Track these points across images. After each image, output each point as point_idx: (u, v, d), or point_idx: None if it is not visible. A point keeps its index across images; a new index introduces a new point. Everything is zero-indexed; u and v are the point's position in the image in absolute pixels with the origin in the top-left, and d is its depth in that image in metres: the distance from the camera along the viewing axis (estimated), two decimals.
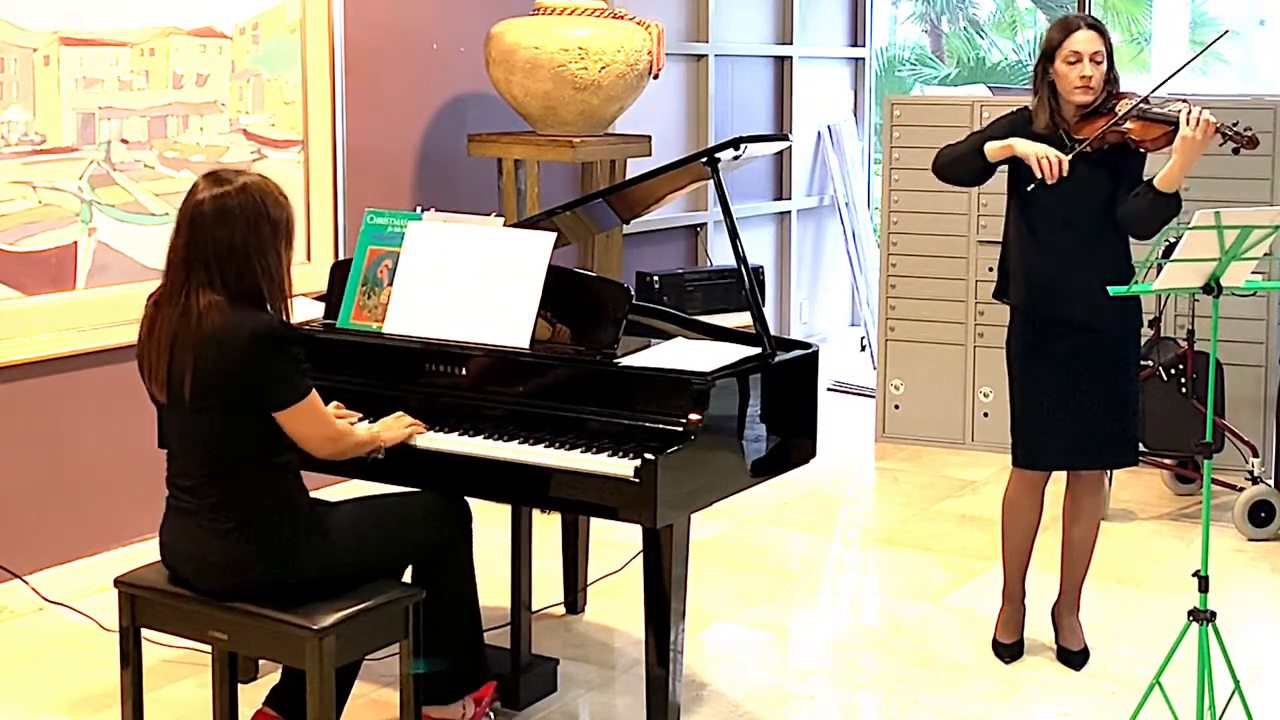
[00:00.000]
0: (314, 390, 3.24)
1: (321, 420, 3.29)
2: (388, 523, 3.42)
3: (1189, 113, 3.82)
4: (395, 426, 3.52)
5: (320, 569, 3.25)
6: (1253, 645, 4.38)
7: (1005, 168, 4.12)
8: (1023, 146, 3.95)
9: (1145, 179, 3.95)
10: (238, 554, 3.20)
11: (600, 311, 3.71)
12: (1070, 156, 3.90)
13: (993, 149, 4.02)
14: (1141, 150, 3.98)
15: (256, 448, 3.21)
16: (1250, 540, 5.35)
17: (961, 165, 4.14)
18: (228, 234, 3.17)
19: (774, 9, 8.09)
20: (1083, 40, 3.97)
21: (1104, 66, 3.99)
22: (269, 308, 3.21)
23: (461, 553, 3.57)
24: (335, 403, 3.53)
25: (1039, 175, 3.89)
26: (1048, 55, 4.02)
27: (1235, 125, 3.87)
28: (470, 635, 3.64)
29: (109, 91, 4.70)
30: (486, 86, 5.80)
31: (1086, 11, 7.38)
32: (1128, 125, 3.93)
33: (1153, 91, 3.98)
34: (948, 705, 4.02)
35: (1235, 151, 3.91)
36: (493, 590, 3.79)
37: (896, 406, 6.70)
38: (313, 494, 3.35)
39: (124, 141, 4.75)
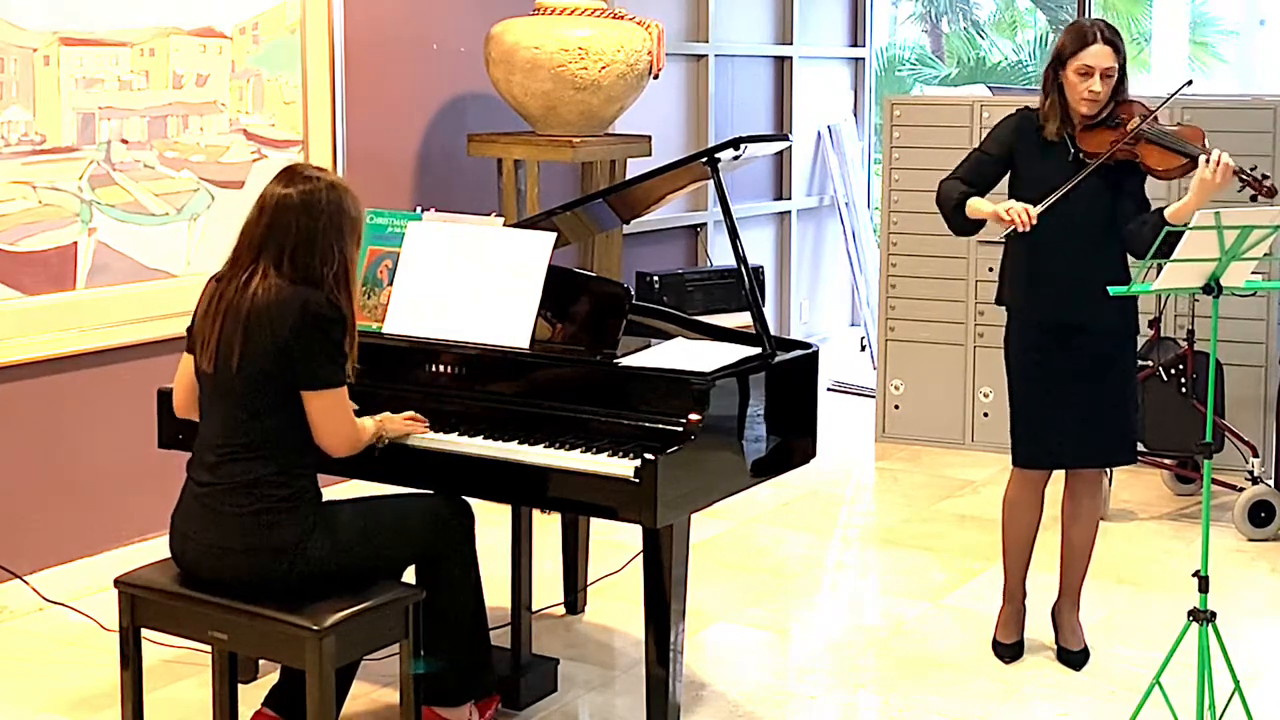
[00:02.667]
0: (346, 386, 3.29)
1: (346, 416, 3.31)
2: (389, 523, 3.43)
3: (1209, 155, 3.81)
4: (396, 418, 3.54)
5: (323, 567, 3.26)
6: (1253, 645, 4.38)
7: (1006, 174, 4.14)
8: (987, 209, 3.98)
9: (1148, 202, 3.94)
10: (248, 539, 3.21)
11: (600, 311, 3.71)
12: (1039, 210, 3.90)
13: (972, 209, 4.05)
14: (1153, 176, 3.98)
15: (287, 439, 3.25)
16: (1250, 540, 5.35)
17: (951, 219, 4.15)
18: (310, 223, 3.27)
19: (774, 9, 8.09)
20: (1096, 55, 3.94)
21: (1113, 81, 3.97)
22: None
23: (463, 554, 3.56)
24: None
25: (1011, 227, 3.92)
26: (1059, 61, 4.00)
27: (1254, 170, 3.87)
28: (474, 636, 3.64)
29: (109, 91, 4.70)
30: (486, 86, 5.80)
31: (1087, 13, 7.39)
32: (1143, 149, 3.93)
33: (1158, 108, 3.97)
34: (948, 705, 4.02)
35: (1252, 199, 3.90)
36: (493, 590, 3.79)
37: (896, 406, 6.71)
38: None
39: (124, 141, 4.75)
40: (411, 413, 3.58)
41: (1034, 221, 3.89)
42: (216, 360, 3.26)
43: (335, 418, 3.29)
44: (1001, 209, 3.93)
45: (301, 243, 3.26)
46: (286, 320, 3.20)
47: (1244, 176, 3.84)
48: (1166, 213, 3.85)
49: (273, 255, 3.27)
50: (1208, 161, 3.79)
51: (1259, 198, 3.89)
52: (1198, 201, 3.79)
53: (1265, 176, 3.88)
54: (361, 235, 3.40)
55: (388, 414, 3.53)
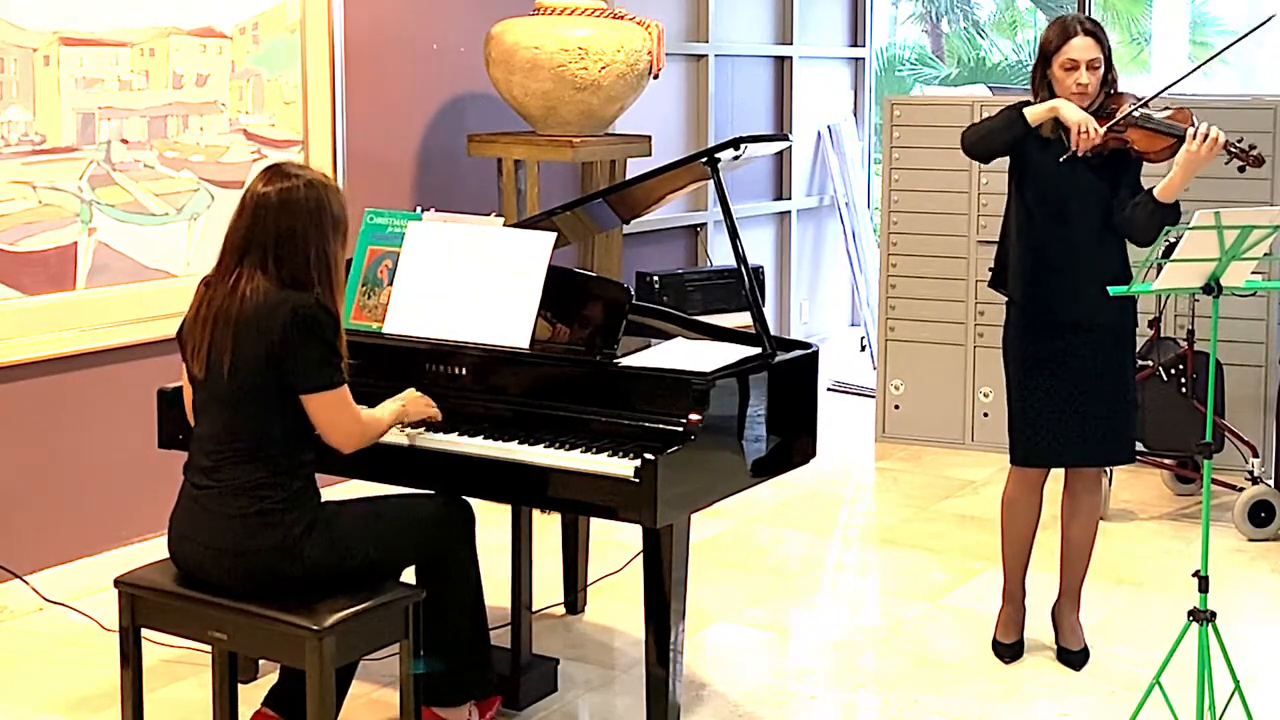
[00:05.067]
0: (346, 385, 3.28)
1: (349, 413, 3.30)
2: (390, 523, 3.42)
3: (1195, 128, 3.81)
4: (419, 401, 3.53)
5: (323, 567, 3.25)
6: (1253, 645, 4.38)
7: (1006, 160, 4.13)
8: (1067, 110, 3.92)
9: (1145, 188, 3.94)
10: (246, 541, 3.21)
11: (600, 311, 3.71)
12: (1105, 129, 3.88)
13: (1035, 113, 3.96)
14: (1145, 160, 3.98)
15: (282, 441, 3.24)
16: (1250, 540, 5.35)
17: (998, 136, 4.03)
18: (290, 222, 3.25)
19: (774, 9, 8.09)
20: (1079, 48, 3.95)
21: (1100, 72, 3.98)
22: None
23: (464, 554, 3.56)
24: None
25: (1074, 145, 3.88)
26: (1045, 58, 4.01)
27: (1241, 142, 3.86)
28: (474, 637, 3.64)
29: (109, 91, 4.70)
30: (486, 86, 5.80)
31: (1086, 12, 7.40)
32: (1131, 134, 3.93)
33: (1154, 96, 3.97)
34: (948, 705, 4.02)
35: (1240, 170, 3.90)
36: (493, 590, 3.79)
37: (896, 406, 6.71)
38: None
39: (124, 141, 4.75)
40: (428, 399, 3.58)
41: (1097, 141, 3.87)
42: (208, 366, 3.25)
43: (339, 417, 3.28)
44: (1080, 120, 3.88)
45: (283, 243, 3.25)
46: (276, 325, 3.19)
47: (1232, 149, 3.84)
48: (1156, 191, 3.85)
49: (256, 257, 3.25)
50: (1194, 136, 3.80)
51: (1247, 168, 3.89)
52: (1183, 175, 3.81)
53: (1253, 147, 3.87)
54: (345, 232, 3.36)
55: (411, 391, 3.53)
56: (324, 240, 3.28)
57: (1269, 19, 4.06)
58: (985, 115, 4.16)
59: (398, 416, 3.47)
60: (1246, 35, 3.96)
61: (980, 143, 4.10)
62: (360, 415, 3.34)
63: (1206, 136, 3.78)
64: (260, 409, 3.23)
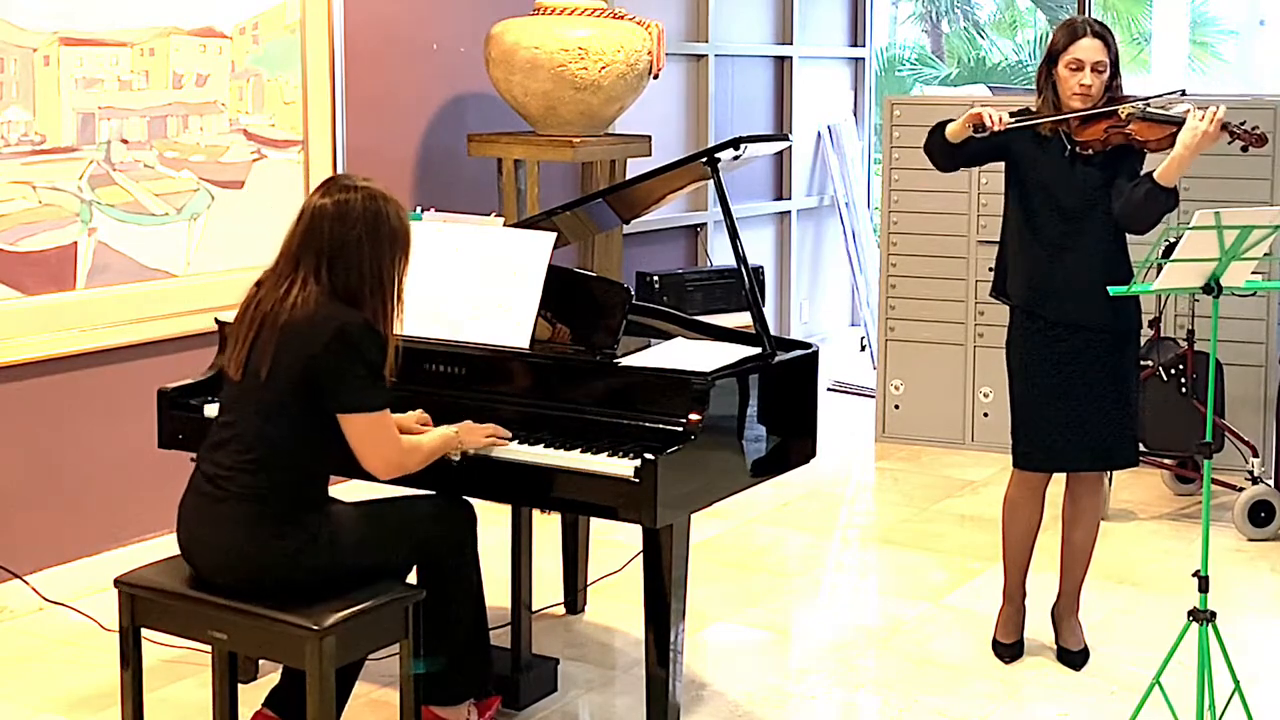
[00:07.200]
0: (388, 410, 3.25)
1: (387, 440, 3.27)
2: (393, 525, 3.42)
3: (1196, 110, 3.82)
4: (476, 431, 3.48)
5: (327, 569, 3.25)
6: (1253, 645, 4.38)
7: (995, 160, 4.13)
8: (981, 109, 3.98)
9: (1146, 173, 3.94)
10: (253, 545, 3.21)
11: (600, 311, 3.71)
12: (1012, 123, 3.94)
13: (952, 130, 4.02)
14: (1145, 150, 3.98)
15: (303, 449, 3.24)
16: (1250, 540, 5.35)
17: (933, 144, 4.12)
18: (343, 230, 3.24)
19: (774, 9, 8.09)
20: (1086, 48, 3.96)
21: (1105, 75, 3.98)
22: (366, 312, 3.24)
23: (466, 553, 3.56)
24: (420, 410, 3.55)
25: (987, 124, 3.92)
26: (1051, 57, 4.02)
27: (1243, 124, 3.86)
28: (476, 636, 3.64)
29: (109, 91, 4.70)
30: (486, 86, 5.80)
31: (1086, 13, 7.40)
32: (1133, 126, 3.93)
33: (1154, 96, 3.98)
34: (948, 705, 4.02)
35: (1244, 149, 3.90)
36: (493, 590, 3.79)
37: (896, 406, 6.71)
38: None
39: (124, 141, 4.75)
40: (493, 425, 3.51)
41: (1002, 126, 3.91)
42: (246, 367, 3.24)
43: (375, 441, 3.25)
44: (975, 110, 3.96)
45: (335, 251, 3.22)
46: (319, 339, 3.16)
47: (1234, 130, 3.83)
48: (1156, 174, 3.85)
49: (310, 265, 3.23)
50: (1196, 117, 3.80)
51: (1250, 148, 3.89)
52: (1184, 155, 3.79)
53: (1255, 126, 3.88)
54: (406, 247, 3.31)
55: (469, 423, 3.49)
56: (379, 252, 3.25)
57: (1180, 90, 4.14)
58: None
59: (445, 443, 3.41)
60: (1159, 97, 4.01)
61: (928, 147, 4.16)
62: (400, 441, 3.31)
63: (1206, 115, 3.78)
64: (288, 418, 3.21)
